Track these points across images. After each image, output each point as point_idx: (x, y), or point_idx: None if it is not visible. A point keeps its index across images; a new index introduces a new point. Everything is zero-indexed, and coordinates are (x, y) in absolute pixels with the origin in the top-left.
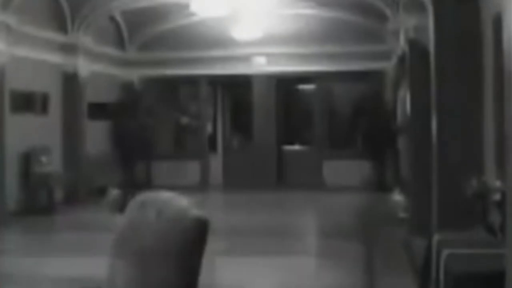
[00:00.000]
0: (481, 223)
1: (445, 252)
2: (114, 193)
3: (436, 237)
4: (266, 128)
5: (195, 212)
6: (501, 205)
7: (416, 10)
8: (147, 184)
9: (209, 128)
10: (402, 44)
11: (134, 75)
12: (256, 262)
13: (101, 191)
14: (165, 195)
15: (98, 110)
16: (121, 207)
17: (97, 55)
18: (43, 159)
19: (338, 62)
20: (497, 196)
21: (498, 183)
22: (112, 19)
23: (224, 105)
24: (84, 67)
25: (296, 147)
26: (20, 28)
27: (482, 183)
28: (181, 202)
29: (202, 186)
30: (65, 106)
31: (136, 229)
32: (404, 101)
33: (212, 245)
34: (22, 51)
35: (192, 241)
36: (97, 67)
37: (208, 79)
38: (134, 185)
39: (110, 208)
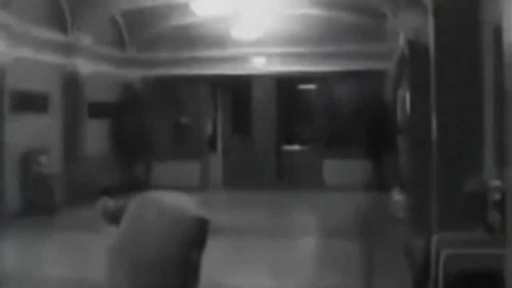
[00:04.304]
0: (481, 223)
1: (445, 252)
2: (104, 201)
3: (435, 237)
4: (266, 128)
5: (195, 212)
6: (501, 205)
7: (416, 10)
8: (147, 184)
9: (209, 128)
10: (402, 44)
11: (134, 75)
12: (255, 261)
13: (101, 191)
14: (165, 195)
15: (98, 110)
16: (112, 216)
17: (97, 55)
18: (43, 159)
19: (338, 62)
20: (497, 196)
21: (498, 183)
22: (112, 19)
23: (224, 105)
24: (84, 67)
25: (296, 147)
26: (20, 28)
27: (482, 183)
28: (181, 202)
29: (202, 186)
30: (65, 106)
31: (137, 229)
32: (404, 101)
33: (212, 244)
34: (22, 51)
35: (192, 241)
36: (97, 67)
37: (208, 79)
38: (133, 185)
39: (100, 218)
